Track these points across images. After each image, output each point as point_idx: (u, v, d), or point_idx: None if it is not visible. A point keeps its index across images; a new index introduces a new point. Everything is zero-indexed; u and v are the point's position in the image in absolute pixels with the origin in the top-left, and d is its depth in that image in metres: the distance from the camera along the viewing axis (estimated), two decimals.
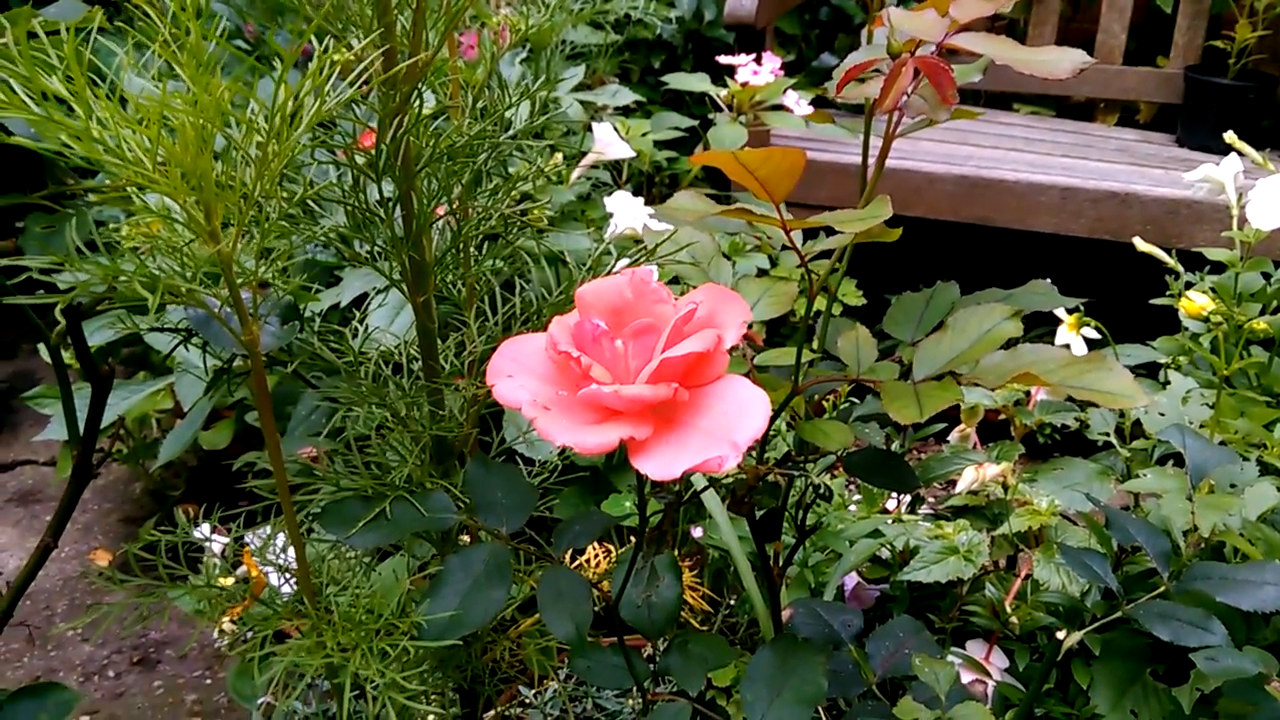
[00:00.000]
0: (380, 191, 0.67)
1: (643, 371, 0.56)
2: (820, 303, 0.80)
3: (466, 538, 0.86)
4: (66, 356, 1.85)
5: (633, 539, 1.31)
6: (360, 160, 0.69)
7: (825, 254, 0.76)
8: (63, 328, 0.60)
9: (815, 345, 0.86)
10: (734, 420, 0.54)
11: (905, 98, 0.68)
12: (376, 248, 0.71)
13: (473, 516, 0.70)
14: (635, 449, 0.54)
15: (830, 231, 0.71)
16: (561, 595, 0.66)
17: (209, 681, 1.69)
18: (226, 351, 0.74)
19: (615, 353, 0.57)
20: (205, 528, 0.88)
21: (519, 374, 0.58)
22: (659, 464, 0.53)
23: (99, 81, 0.47)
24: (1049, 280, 0.89)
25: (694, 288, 0.82)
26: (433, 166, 0.68)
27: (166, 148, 0.45)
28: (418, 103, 0.66)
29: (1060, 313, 1.32)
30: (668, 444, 0.54)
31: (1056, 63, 0.69)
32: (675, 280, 1.08)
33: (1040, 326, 1.44)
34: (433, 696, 0.87)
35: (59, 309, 0.47)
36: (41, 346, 1.97)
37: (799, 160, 0.60)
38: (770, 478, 0.84)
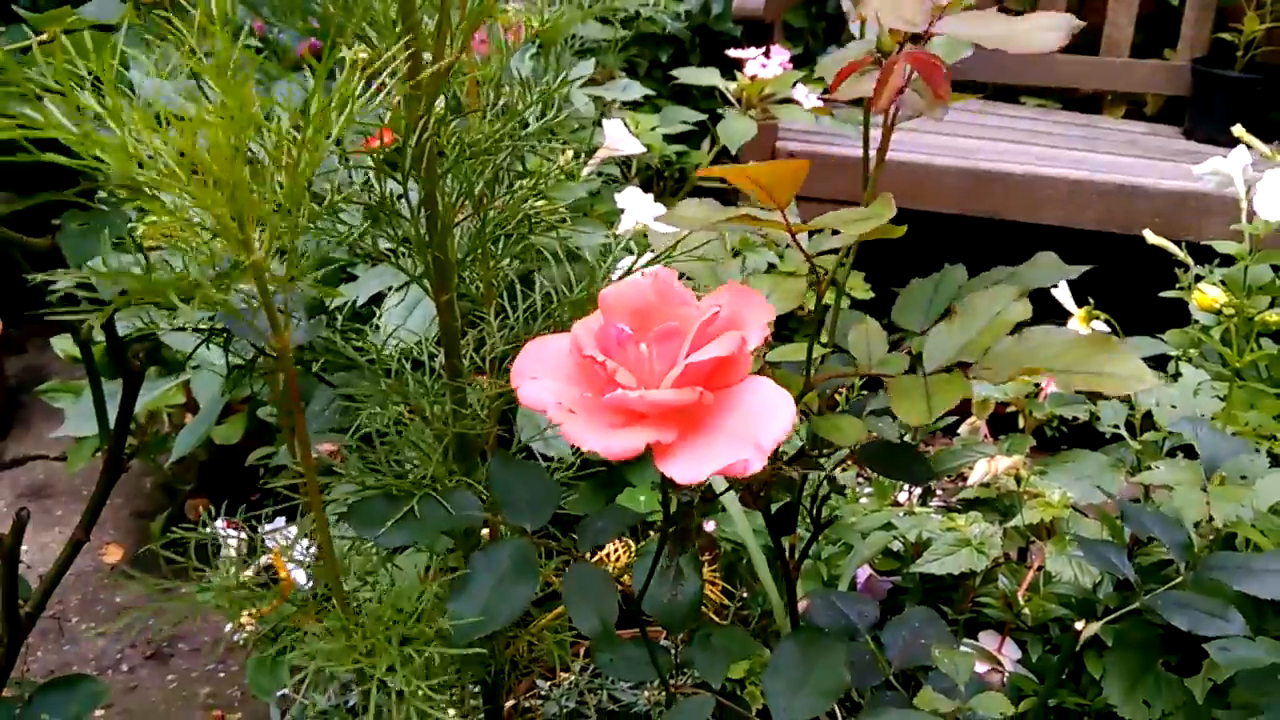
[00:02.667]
0: (405, 190, 0.68)
1: (668, 375, 0.56)
2: (828, 297, 0.81)
3: (486, 533, 0.87)
4: (71, 351, 1.85)
5: (650, 533, 1.32)
6: (378, 158, 0.69)
7: (831, 251, 0.77)
8: (95, 324, 0.60)
9: (825, 340, 0.86)
10: (759, 422, 0.54)
11: (899, 95, 0.68)
12: (400, 246, 0.72)
13: (497, 514, 0.71)
14: (661, 453, 0.55)
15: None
16: (586, 591, 0.67)
17: (222, 675, 1.70)
18: (249, 349, 0.75)
19: (640, 356, 0.57)
20: (221, 523, 0.89)
21: (543, 376, 0.59)
22: (685, 468, 0.54)
23: (128, 90, 0.48)
24: (1052, 254, 0.88)
25: (705, 286, 0.83)
26: (455, 167, 0.68)
27: (201, 160, 0.45)
28: (441, 104, 0.67)
29: (1070, 306, 1.33)
30: (693, 447, 0.55)
31: (1046, 32, 0.69)
32: (683, 276, 1.09)
33: (1050, 320, 1.44)
34: (454, 691, 0.88)
35: (98, 319, 0.48)
36: (53, 341, 1.98)
37: (801, 169, 0.61)
38: (785, 473, 0.84)
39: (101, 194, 0.63)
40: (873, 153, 0.84)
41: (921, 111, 0.73)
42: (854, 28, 0.91)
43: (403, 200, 0.69)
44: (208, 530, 0.82)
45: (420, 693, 0.59)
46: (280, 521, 0.93)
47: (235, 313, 0.51)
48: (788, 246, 1.63)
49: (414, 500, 0.68)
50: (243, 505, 0.87)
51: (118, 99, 0.41)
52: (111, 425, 0.75)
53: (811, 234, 0.78)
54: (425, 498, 0.68)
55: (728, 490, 0.85)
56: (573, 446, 1.03)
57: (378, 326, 0.80)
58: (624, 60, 2.16)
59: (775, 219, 0.65)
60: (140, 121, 0.40)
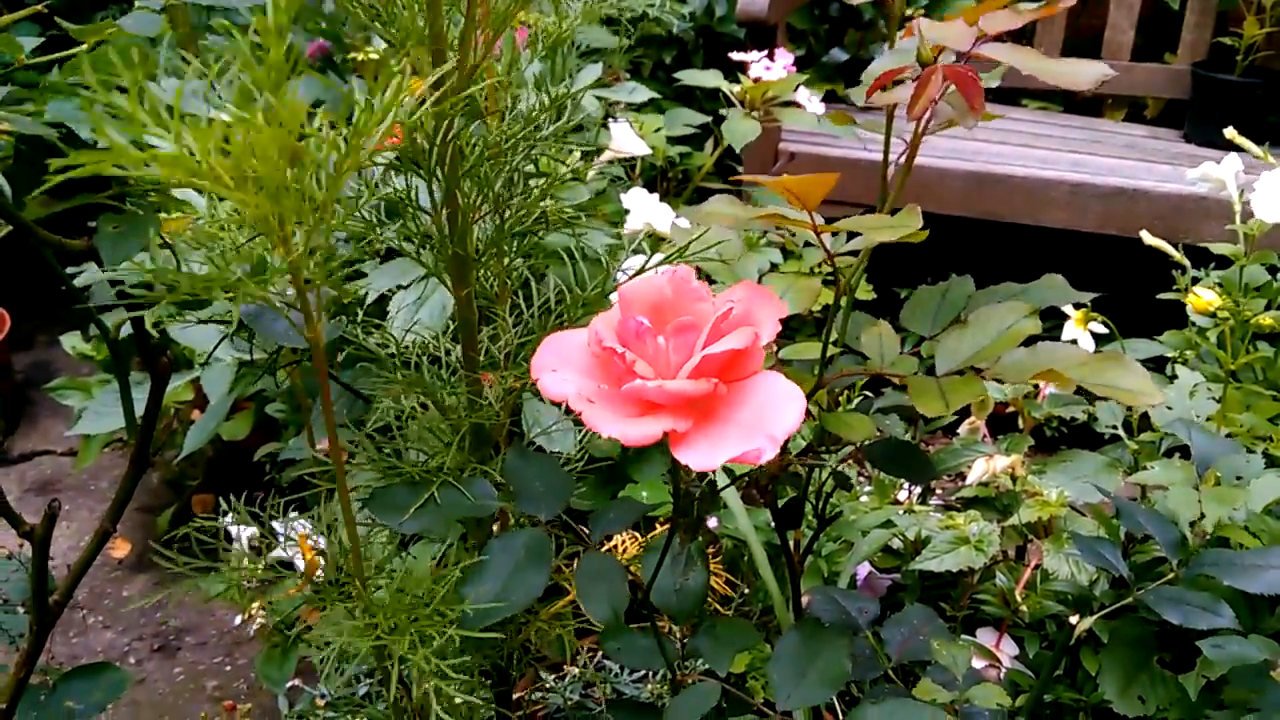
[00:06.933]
0: (430, 188, 0.70)
1: (684, 367, 0.58)
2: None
3: (496, 525, 0.89)
4: (80, 348, 1.87)
5: (657, 525, 1.34)
6: (393, 156, 0.71)
7: (852, 253, 0.79)
8: (123, 322, 0.63)
9: (834, 339, 0.88)
10: (771, 414, 0.56)
11: (934, 104, 0.71)
12: (420, 242, 0.74)
13: (512, 503, 0.73)
14: (676, 441, 0.57)
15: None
16: (598, 579, 0.69)
17: (229, 668, 1.72)
18: (271, 345, 0.77)
19: (658, 349, 0.59)
20: (230, 518, 0.91)
21: (563, 368, 0.61)
22: (700, 455, 0.56)
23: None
24: (1060, 277, 0.91)
25: (722, 283, 0.85)
26: (475, 167, 0.71)
27: (252, 166, 0.47)
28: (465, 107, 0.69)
29: (1067, 308, 1.35)
30: (707, 436, 0.57)
31: (1078, 75, 0.72)
32: (700, 274, 1.11)
33: (1048, 320, 1.46)
34: (463, 678, 0.90)
35: (149, 317, 0.50)
36: (61, 338, 2.00)
37: (830, 181, 0.65)
38: (792, 468, 0.86)
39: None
40: (892, 157, 0.87)
41: (953, 121, 0.76)
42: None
43: (424, 198, 0.71)
44: (220, 522, 0.84)
45: (439, 671, 0.61)
46: (292, 515, 0.95)
47: (274, 305, 0.53)
48: (806, 245, 1.65)
49: (434, 487, 0.70)
50: (245, 499, 0.89)
51: (180, 125, 0.43)
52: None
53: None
54: (444, 485, 0.71)
55: (729, 485, 0.87)
56: (576, 443, 1.05)
57: (394, 321, 0.82)
58: (627, 61, 2.18)
59: (803, 219, 0.68)
60: (193, 133, 0.42)
